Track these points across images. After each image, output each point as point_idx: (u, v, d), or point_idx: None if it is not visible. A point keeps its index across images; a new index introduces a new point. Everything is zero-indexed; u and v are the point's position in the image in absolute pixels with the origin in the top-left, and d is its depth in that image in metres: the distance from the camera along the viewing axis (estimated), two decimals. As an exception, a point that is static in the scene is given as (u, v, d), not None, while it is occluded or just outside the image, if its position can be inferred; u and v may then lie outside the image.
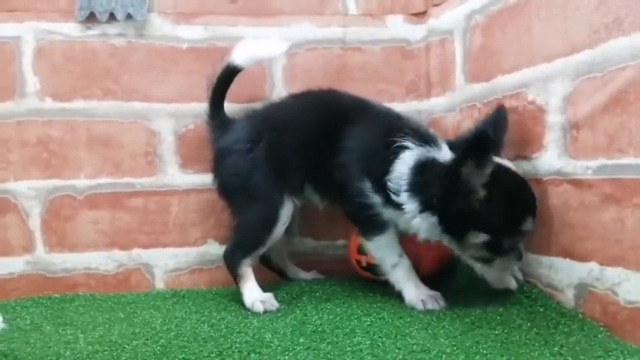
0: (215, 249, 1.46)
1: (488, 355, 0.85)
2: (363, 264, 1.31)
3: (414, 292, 1.13)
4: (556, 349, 0.86)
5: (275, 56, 1.42)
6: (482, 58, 1.30)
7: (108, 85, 1.43)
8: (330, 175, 1.20)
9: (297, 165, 1.25)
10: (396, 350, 0.88)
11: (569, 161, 1.04)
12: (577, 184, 1.02)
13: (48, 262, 1.41)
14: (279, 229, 1.25)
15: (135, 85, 1.44)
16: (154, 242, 1.45)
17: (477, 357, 0.85)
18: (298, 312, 1.13)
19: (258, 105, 1.39)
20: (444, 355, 0.85)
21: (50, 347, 1.00)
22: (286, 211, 1.26)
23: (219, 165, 1.34)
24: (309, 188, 1.29)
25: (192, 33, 1.45)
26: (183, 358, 0.92)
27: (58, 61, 1.41)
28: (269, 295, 1.22)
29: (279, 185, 1.25)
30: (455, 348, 0.88)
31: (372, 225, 1.17)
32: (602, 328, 0.94)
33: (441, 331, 0.95)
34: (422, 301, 1.10)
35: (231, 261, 1.27)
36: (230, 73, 1.34)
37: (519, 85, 1.17)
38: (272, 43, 1.38)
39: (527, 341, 0.90)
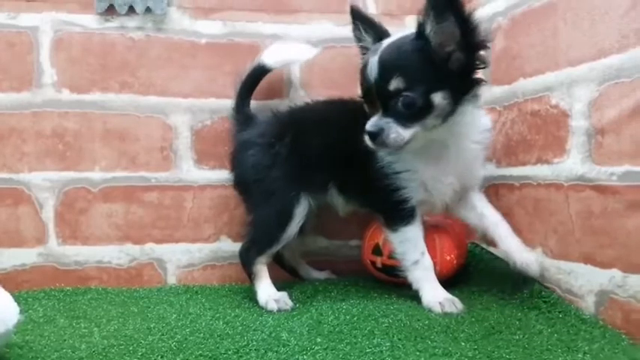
0: (228, 245, 1.46)
1: (512, 361, 0.84)
2: (378, 265, 1.30)
3: (432, 293, 1.12)
4: (579, 355, 0.85)
5: (304, 60, 1.43)
6: (504, 60, 1.29)
7: (125, 79, 1.42)
8: (356, 173, 1.19)
9: (323, 165, 1.24)
10: (417, 353, 0.87)
11: (592, 167, 1.03)
12: (601, 190, 1.01)
13: (60, 254, 1.41)
14: (294, 227, 1.25)
15: (152, 79, 1.43)
16: (167, 237, 1.44)
17: (500, 362, 0.84)
18: (314, 311, 1.12)
19: (282, 105, 1.40)
20: (466, 359, 0.84)
21: (65, 340, 1.00)
22: (301, 210, 1.25)
23: (239, 157, 1.34)
24: (333, 189, 1.28)
25: (211, 28, 1.45)
26: (200, 354, 0.91)
27: (75, 52, 1.41)
28: (283, 294, 1.22)
29: (298, 184, 1.24)
30: (477, 352, 0.87)
31: (400, 214, 1.15)
32: (624, 336, 0.93)
33: (462, 335, 0.94)
34: (440, 303, 1.09)
35: (246, 259, 1.26)
36: (259, 72, 1.37)
37: (542, 89, 1.16)
38: (302, 48, 1.40)
39: (550, 347, 0.89)
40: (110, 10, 1.40)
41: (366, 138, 1.06)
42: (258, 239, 1.26)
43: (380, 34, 1.15)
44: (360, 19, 1.18)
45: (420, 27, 1.03)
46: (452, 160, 1.14)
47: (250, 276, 1.26)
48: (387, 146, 1.05)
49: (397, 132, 1.04)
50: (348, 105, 1.28)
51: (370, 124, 1.05)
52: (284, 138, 1.26)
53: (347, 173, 1.23)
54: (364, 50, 1.18)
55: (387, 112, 1.04)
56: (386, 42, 1.09)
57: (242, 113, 1.38)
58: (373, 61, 1.05)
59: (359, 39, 1.20)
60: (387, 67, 1.03)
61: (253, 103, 1.41)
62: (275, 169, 1.25)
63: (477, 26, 1.01)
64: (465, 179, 1.18)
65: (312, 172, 1.25)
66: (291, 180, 1.24)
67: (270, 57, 1.36)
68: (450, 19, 0.99)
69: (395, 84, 1.02)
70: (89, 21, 1.41)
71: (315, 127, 1.27)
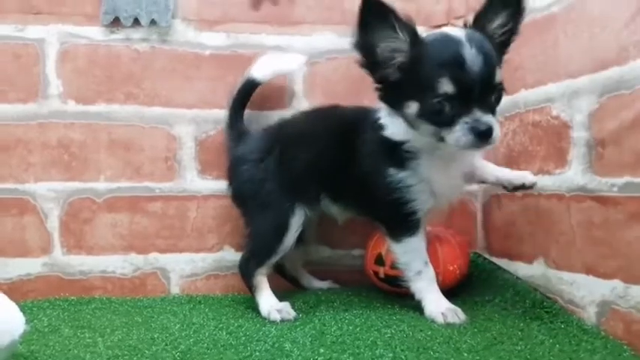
0: (231, 255, 1.47)
1: (513, 372, 0.85)
2: (381, 275, 1.31)
3: (434, 304, 1.13)
4: (581, 367, 0.86)
5: (293, 70, 1.45)
6: (506, 71, 1.28)
7: (130, 90, 1.44)
8: (349, 182, 1.20)
9: (312, 176, 1.26)
10: (419, 364, 0.88)
11: (593, 178, 1.04)
12: (602, 201, 1.01)
13: (65, 263, 1.42)
14: (290, 237, 1.26)
15: (157, 90, 1.45)
16: (171, 247, 1.45)
17: (502, 373, 0.84)
18: (317, 322, 1.13)
19: (275, 120, 1.41)
20: (468, 370, 0.85)
21: (70, 350, 1.00)
22: (297, 219, 1.26)
23: (234, 173, 1.36)
24: (325, 199, 1.29)
25: (214, 40, 1.46)
26: (204, 365, 0.92)
27: (81, 64, 1.42)
28: (285, 304, 1.22)
29: (290, 195, 1.25)
30: (479, 363, 0.87)
31: (405, 225, 1.15)
32: (625, 347, 0.94)
33: (464, 346, 0.95)
34: (442, 314, 1.09)
35: (246, 271, 1.27)
36: (249, 87, 1.39)
37: (543, 100, 1.17)
38: (290, 58, 1.41)
39: (552, 358, 0.89)
40: (115, 23, 1.42)
41: (471, 138, 0.98)
42: (257, 251, 1.28)
43: (415, 31, 1.05)
44: (394, 16, 1.02)
45: (480, 20, 1.05)
46: (462, 160, 1.14)
47: (251, 289, 1.27)
48: (492, 144, 1.00)
49: (498, 126, 1.00)
50: (337, 113, 1.30)
51: (483, 123, 0.97)
52: (272, 152, 1.29)
53: (339, 183, 1.23)
54: (386, 53, 1.05)
55: (483, 107, 0.99)
56: (455, 35, 1.01)
57: (235, 128, 1.39)
58: (471, 53, 0.96)
59: (376, 40, 1.04)
60: (488, 60, 0.97)
61: (257, 114, 1.43)
62: (268, 182, 1.27)
63: (523, 18, 1.06)
64: (469, 176, 1.19)
65: (303, 183, 1.26)
66: (285, 191, 1.25)
67: (258, 71, 1.38)
68: (507, 12, 1.04)
69: (498, 76, 1.00)
70: (95, 33, 1.43)
71: (300, 138, 1.28)
